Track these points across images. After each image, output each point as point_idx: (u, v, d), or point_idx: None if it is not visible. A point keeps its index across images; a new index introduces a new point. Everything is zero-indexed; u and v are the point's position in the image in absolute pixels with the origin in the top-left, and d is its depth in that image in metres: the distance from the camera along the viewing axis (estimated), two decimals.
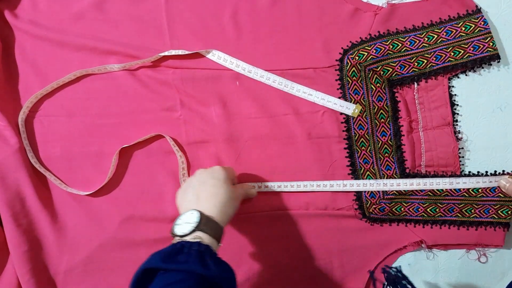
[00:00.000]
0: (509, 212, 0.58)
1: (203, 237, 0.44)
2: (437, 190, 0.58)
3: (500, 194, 0.58)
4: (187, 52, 0.59)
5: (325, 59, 0.60)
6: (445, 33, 0.58)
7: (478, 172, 0.59)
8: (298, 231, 0.60)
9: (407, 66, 0.59)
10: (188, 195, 0.49)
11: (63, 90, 0.60)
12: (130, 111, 0.60)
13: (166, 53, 0.59)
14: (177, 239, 0.45)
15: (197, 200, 0.48)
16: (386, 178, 0.59)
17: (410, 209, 0.59)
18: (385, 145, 0.60)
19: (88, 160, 0.60)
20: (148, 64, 0.60)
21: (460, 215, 0.59)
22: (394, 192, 0.59)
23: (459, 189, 0.58)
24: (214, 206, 0.47)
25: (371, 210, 0.59)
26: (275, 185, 0.60)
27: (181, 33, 0.60)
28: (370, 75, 0.59)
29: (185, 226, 0.45)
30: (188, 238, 0.44)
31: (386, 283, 0.54)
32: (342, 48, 0.60)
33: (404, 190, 0.58)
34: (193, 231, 0.44)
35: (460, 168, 0.59)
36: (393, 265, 0.60)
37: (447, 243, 0.60)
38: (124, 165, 0.60)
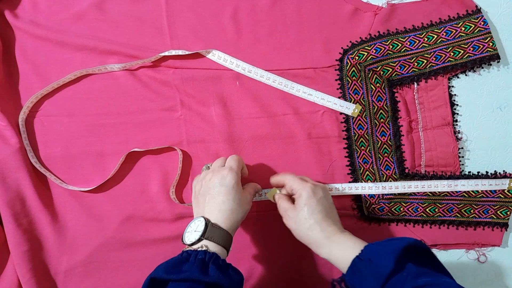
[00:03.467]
0: (508, 213, 0.58)
1: (209, 245, 0.45)
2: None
3: (500, 195, 0.58)
4: (187, 52, 0.59)
5: (325, 59, 0.60)
6: (445, 33, 0.58)
7: (478, 172, 0.59)
8: None
9: (407, 66, 0.59)
10: (199, 201, 0.49)
11: (63, 90, 0.60)
12: (131, 111, 0.60)
13: (166, 53, 0.59)
14: (186, 247, 0.46)
15: (204, 208, 0.48)
16: (385, 178, 0.59)
17: (409, 209, 0.59)
18: (385, 145, 0.60)
19: (88, 160, 0.60)
20: (148, 64, 0.60)
21: (459, 215, 0.59)
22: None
23: (459, 190, 0.58)
24: (220, 213, 0.47)
25: (370, 210, 0.59)
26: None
27: (181, 33, 0.60)
28: (370, 75, 0.59)
29: (193, 234, 0.46)
30: (195, 247, 0.45)
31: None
32: (342, 48, 0.60)
33: None
34: (200, 239, 0.45)
35: (460, 168, 0.59)
36: None
37: (446, 243, 0.60)
38: (125, 165, 0.60)
